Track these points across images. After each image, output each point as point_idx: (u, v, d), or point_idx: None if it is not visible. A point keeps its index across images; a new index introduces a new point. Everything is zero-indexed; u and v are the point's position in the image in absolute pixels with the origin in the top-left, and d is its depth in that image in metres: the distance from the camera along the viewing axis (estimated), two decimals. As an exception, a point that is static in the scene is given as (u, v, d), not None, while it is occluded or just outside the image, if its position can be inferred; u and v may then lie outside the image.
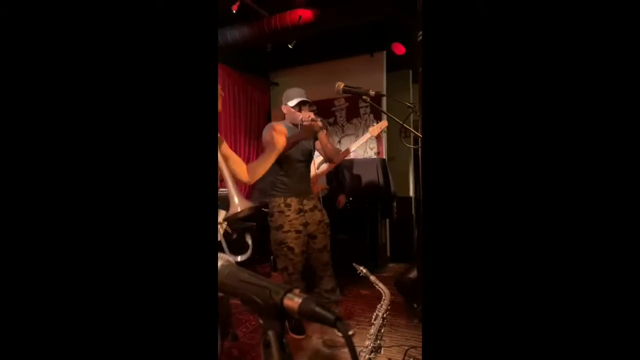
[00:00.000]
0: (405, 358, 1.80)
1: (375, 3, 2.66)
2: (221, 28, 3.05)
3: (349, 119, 3.94)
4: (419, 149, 1.59)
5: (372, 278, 1.53)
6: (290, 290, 0.37)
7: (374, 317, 1.48)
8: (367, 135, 2.38)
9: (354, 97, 3.50)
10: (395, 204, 3.58)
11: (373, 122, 3.82)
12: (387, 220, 3.68)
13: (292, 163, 1.92)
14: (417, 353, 1.81)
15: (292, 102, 1.93)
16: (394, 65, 3.71)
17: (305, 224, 1.94)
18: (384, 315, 1.47)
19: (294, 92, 1.97)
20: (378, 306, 1.49)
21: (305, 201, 1.97)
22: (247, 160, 4.01)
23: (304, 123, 1.88)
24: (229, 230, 1.38)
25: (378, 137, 3.55)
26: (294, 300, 0.35)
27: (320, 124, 1.86)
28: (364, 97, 1.46)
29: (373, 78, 3.62)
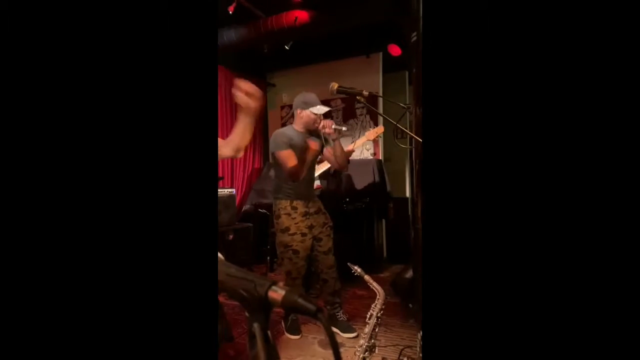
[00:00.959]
0: (400, 357, 1.81)
1: (370, 5, 2.68)
2: (218, 29, 3.06)
3: (345, 119, 3.95)
4: (413, 149, 1.59)
5: (367, 277, 1.54)
6: (274, 283, 0.37)
7: (368, 316, 1.49)
8: (364, 139, 2.41)
9: (350, 98, 3.51)
10: (391, 205, 3.59)
11: (369, 123, 3.84)
12: (384, 220, 3.69)
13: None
14: (412, 353, 1.81)
15: (317, 110, 1.88)
16: (391, 66, 3.73)
17: (311, 227, 1.95)
18: (379, 314, 1.48)
19: (313, 99, 1.91)
20: (372, 305, 1.49)
21: (310, 204, 1.98)
22: (243, 162, 4.01)
23: (325, 130, 1.85)
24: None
25: (374, 138, 3.57)
26: (277, 292, 0.36)
27: (335, 135, 1.84)
28: (358, 97, 1.47)
29: (369, 79, 3.64)
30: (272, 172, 2.80)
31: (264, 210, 3.30)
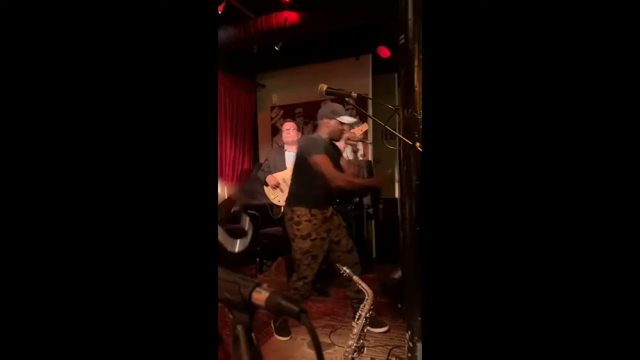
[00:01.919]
0: (389, 357, 1.82)
1: (359, 6, 2.69)
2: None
3: (335, 121, 3.95)
4: (400, 150, 1.61)
5: (355, 278, 1.55)
6: (259, 284, 0.37)
7: (357, 317, 1.49)
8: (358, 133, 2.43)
9: (340, 100, 3.52)
10: (380, 206, 3.61)
11: (359, 124, 3.85)
12: (373, 221, 3.70)
13: (316, 175, 1.92)
14: (401, 352, 1.83)
15: (345, 119, 1.95)
16: (381, 68, 3.75)
17: (329, 230, 1.98)
18: (367, 315, 1.49)
19: (340, 109, 1.98)
20: (361, 306, 1.50)
21: (328, 208, 2.02)
22: (232, 163, 3.98)
23: (349, 142, 1.94)
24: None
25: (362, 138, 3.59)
26: (261, 294, 0.36)
27: (359, 146, 1.98)
28: (347, 99, 1.47)
29: (359, 81, 3.65)
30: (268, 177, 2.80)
31: (254, 212, 3.29)
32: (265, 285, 0.38)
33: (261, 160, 4.30)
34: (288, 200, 2.02)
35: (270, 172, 2.85)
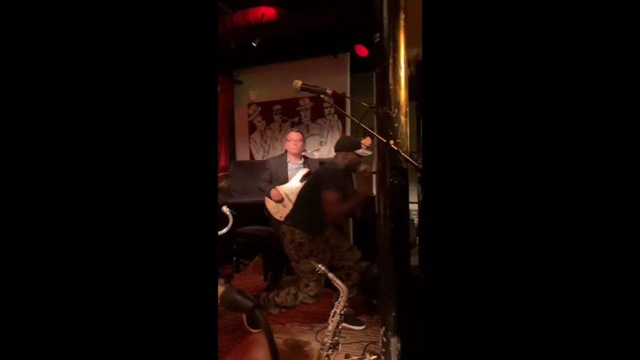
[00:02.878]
0: (365, 353, 1.83)
1: (337, 5, 2.69)
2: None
3: (313, 119, 3.95)
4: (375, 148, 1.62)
5: (330, 275, 1.55)
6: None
7: (332, 314, 1.50)
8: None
9: (319, 98, 3.52)
10: (358, 203, 3.63)
11: (337, 123, 3.86)
12: (351, 218, 3.72)
13: (322, 203, 1.94)
14: (376, 348, 1.84)
15: (362, 152, 2.05)
16: (359, 67, 3.77)
17: (326, 240, 2.07)
18: (342, 312, 1.49)
19: (359, 143, 2.09)
20: (336, 303, 1.50)
21: (324, 232, 2.07)
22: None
23: (364, 174, 2.19)
24: None
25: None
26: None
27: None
28: (322, 96, 1.47)
29: (337, 79, 3.66)
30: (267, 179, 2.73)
31: (230, 210, 3.24)
32: (221, 280, 0.37)
33: (238, 157, 4.25)
34: (291, 219, 2.03)
35: (271, 182, 2.67)
